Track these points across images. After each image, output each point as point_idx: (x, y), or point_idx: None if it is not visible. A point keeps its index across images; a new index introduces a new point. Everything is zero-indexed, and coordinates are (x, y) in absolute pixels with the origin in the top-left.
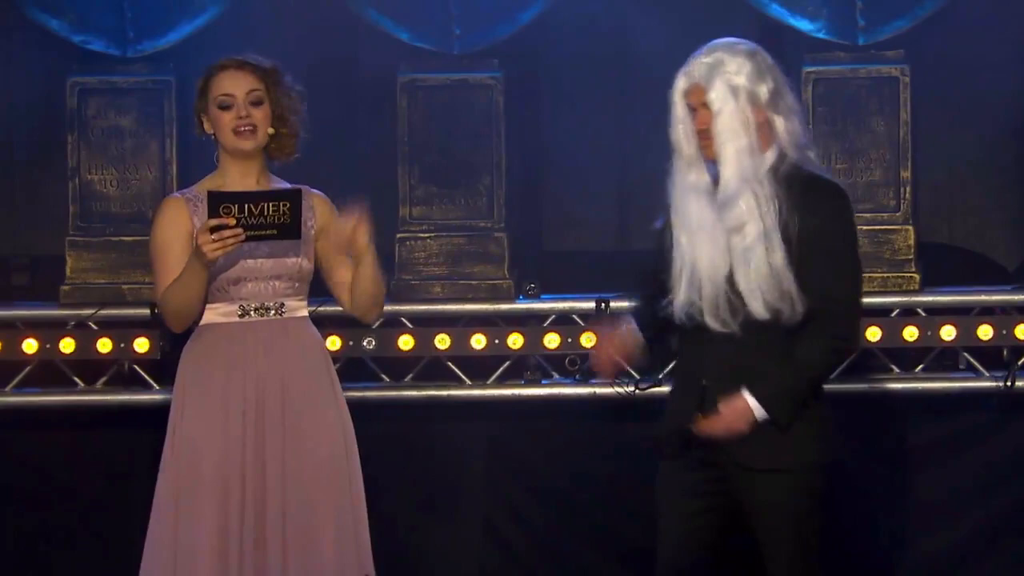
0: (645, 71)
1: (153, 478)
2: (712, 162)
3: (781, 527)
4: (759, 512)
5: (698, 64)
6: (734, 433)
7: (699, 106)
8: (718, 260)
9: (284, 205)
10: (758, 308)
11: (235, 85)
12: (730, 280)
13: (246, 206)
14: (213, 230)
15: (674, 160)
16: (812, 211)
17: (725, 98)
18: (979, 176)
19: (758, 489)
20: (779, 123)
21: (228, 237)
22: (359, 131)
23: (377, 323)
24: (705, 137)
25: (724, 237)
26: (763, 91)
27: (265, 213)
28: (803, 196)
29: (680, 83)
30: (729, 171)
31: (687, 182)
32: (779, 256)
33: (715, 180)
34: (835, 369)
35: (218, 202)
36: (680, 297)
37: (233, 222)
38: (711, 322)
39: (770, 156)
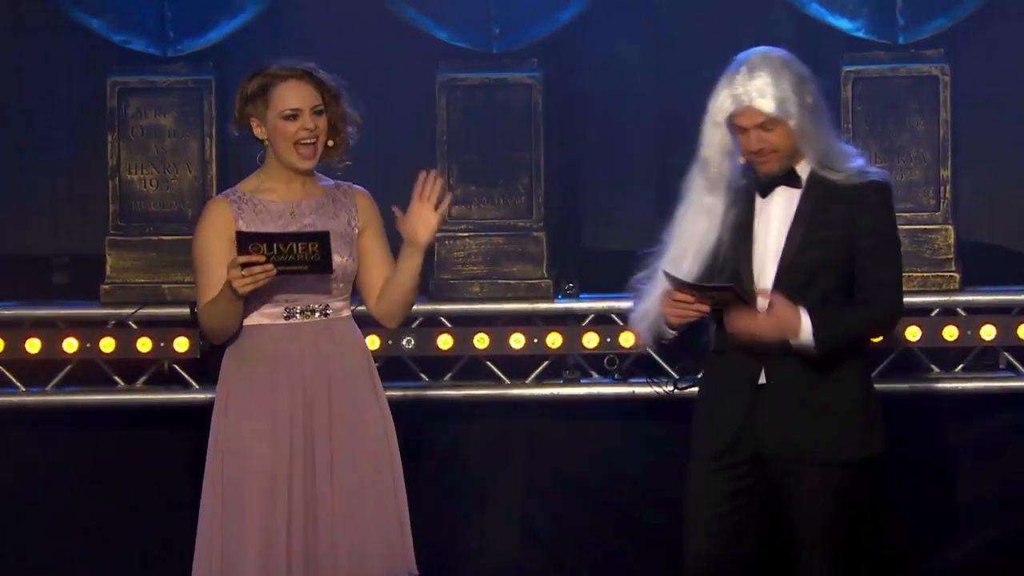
0: (684, 70)
1: (193, 477)
2: (768, 176)
3: (825, 521)
4: (810, 506)
5: (746, 85)
6: (759, 333)
7: (752, 128)
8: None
9: (313, 246)
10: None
11: (301, 99)
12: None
13: (275, 245)
14: (244, 266)
15: (697, 176)
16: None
17: (785, 114)
18: (1019, 175)
19: (810, 481)
20: (822, 131)
21: (258, 273)
22: (397, 130)
23: (416, 323)
24: (762, 155)
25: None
26: (808, 100)
27: (294, 252)
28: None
29: (726, 104)
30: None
31: (703, 203)
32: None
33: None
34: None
35: (247, 241)
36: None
37: (263, 259)
38: None
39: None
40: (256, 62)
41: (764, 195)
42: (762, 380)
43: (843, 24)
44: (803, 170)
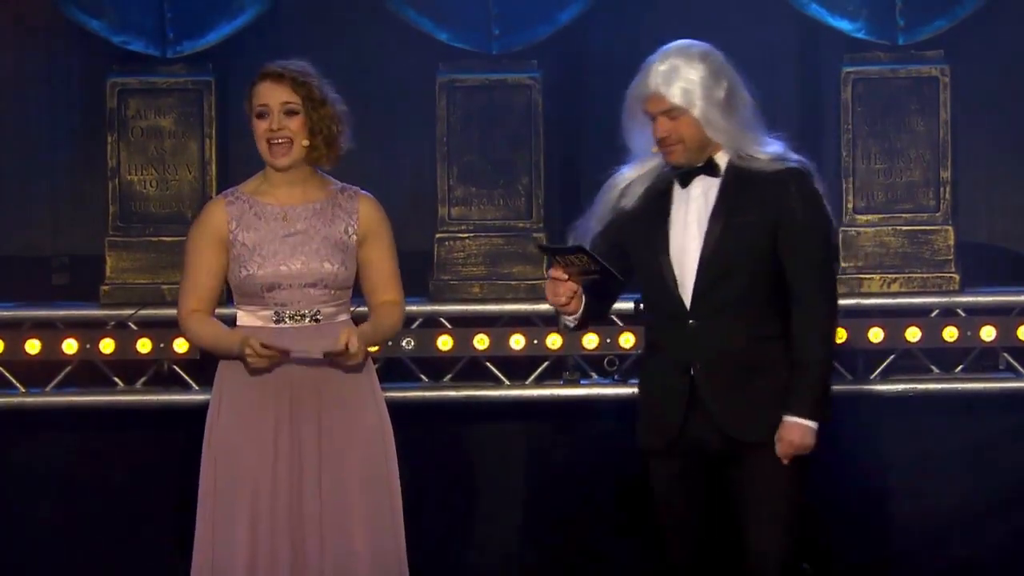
0: None
1: (192, 478)
2: (674, 167)
3: (771, 501)
4: (748, 486)
5: (655, 72)
6: (807, 450)
7: (659, 114)
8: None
9: (584, 259)
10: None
11: (271, 96)
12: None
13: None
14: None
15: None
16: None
17: (688, 103)
18: (1019, 176)
19: (751, 463)
20: (734, 123)
21: (268, 356)
22: (397, 131)
23: (415, 324)
24: (666, 144)
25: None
26: (719, 94)
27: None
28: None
29: (637, 91)
30: (721, 162)
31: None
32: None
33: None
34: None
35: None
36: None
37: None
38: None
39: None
40: (255, 63)
41: (684, 185)
42: (692, 372)
43: (843, 25)
44: (722, 159)
